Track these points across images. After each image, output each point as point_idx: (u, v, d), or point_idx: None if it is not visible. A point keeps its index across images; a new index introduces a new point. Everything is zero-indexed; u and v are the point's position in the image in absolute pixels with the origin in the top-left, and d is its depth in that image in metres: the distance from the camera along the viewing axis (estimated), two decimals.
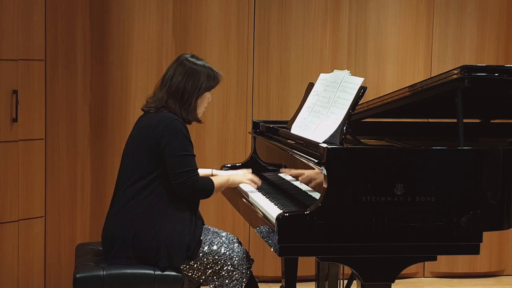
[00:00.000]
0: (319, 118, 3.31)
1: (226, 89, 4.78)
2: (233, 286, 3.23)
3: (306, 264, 4.58)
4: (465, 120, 3.10)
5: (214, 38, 4.73)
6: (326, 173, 2.82)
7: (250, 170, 3.66)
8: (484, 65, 4.67)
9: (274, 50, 4.84)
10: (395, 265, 2.90)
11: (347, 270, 3.24)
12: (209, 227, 3.35)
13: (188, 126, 3.28)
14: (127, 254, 3.17)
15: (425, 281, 5.10)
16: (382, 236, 2.84)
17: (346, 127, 3.06)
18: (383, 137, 3.69)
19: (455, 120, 3.10)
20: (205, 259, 3.21)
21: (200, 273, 3.23)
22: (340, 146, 2.99)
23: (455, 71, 3.07)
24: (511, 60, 5.09)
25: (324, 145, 2.91)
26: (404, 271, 2.96)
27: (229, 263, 3.23)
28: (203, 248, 3.21)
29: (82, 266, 3.18)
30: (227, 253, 3.23)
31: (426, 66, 5.02)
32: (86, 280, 3.10)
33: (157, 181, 3.19)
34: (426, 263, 5.00)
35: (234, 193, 3.64)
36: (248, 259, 3.30)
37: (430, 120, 3.91)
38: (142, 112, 3.37)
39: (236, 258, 3.24)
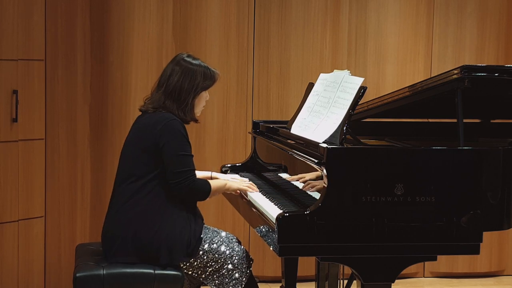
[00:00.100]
0: (319, 118, 3.31)
1: (226, 89, 4.78)
2: (233, 285, 3.23)
3: (306, 264, 4.58)
4: (465, 120, 3.10)
5: (214, 38, 4.73)
6: (326, 173, 2.82)
7: (247, 180, 3.64)
8: (484, 65, 4.67)
9: (274, 50, 4.84)
10: (395, 265, 2.90)
11: (347, 270, 3.24)
12: (209, 226, 3.36)
13: (188, 126, 3.29)
14: (127, 253, 3.17)
15: (425, 281, 5.10)
16: (382, 236, 2.84)
17: (346, 127, 3.06)
18: (383, 137, 3.69)
19: (455, 120, 3.10)
20: (205, 257, 3.21)
21: (200, 271, 3.23)
22: (340, 146, 2.99)
23: (455, 71, 3.07)
24: (511, 60, 5.09)
25: (324, 145, 2.91)
26: (404, 271, 2.96)
27: (229, 262, 3.23)
28: (203, 246, 3.22)
29: (82, 265, 3.18)
30: (227, 252, 3.24)
31: (426, 66, 5.02)
32: (86, 280, 3.10)
33: (156, 180, 3.20)
34: (426, 263, 5.00)
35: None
36: (248, 259, 3.31)
37: (430, 120, 3.91)
38: (141, 112, 3.38)
39: (236, 257, 3.25)
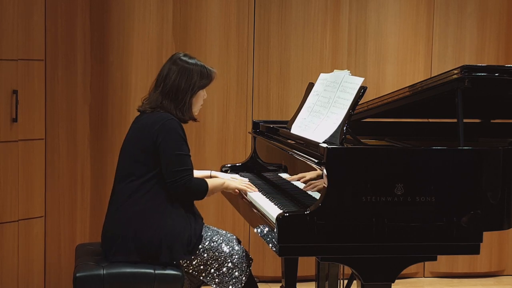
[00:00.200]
0: (319, 118, 3.31)
1: (226, 89, 4.78)
2: (233, 284, 3.24)
3: (306, 264, 4.58)
4: (465, 120, 3.09)
5: (214, 38, 4.73)
6: (326, 173, 2.82)
7: (247, 180, 3.63)
8: (484, 65, 4.67)
9: (274, 50, 4.84)
10: (395, 265, 2.90)
11: (347, 270, 3.24)
12: (209, 225, 3.36)
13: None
14: (128, 252, 3.17)
15: (425, 281, 5.10)
16: (382, 236, 2.84)
17: (346, 127, 3.06)
18: (383, 137, 3.69)
19: (455, 120, 3.10)
20: (205, 255, 3.22)
21: (200, 270, 3.24)
22: (340, 146, 2.98)
23: (455, 71, 3.07)
24: (511, 60, 5.09)
25: (324, 145, 2.91)
26: (404, 271, 2.96)
27: (229, 260, 3.24)
28: (204, 243, 3.22)
29: (82, 265, 3.18)
30: (227, 250, 3.24)
31: (426, 66, 5.02)
32: (86, 279, 3.10)
33: (155, 179, 3.20)
34: (426, 263, 5.00)
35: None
36: (247, 258, 3.31)
37: (430, 120, 3.91)
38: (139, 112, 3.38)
39: (236, 256, 3.25)
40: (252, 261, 3.35)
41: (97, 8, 4.56)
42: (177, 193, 3.20)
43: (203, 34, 4.71)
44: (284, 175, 3.46)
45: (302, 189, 3.20)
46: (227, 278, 3.24)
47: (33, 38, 4.27)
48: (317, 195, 2.96)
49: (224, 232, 3.33)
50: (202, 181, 3.27)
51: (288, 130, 3.58)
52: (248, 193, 3.41)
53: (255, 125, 4.03)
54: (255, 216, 3.20)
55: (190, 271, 3.24)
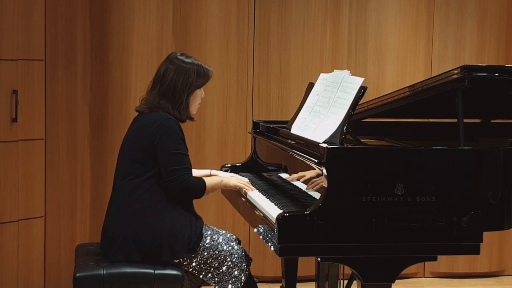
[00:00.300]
0: (319, 118, 3.31)
1: (226, 89, 4.78)
2: (232, 283, 3.24)
3: (306, 264, 4.58)
4: (465, 120, 3.09)
5: (214, 38, 4.73)
6: (326, 173, 2.82)
7: (246, 179, 3.63)
8: (485, 65, 4.67)
9: (274, 50, 4.83)
10: (395, 265, 2.90)
11: (347, 270, 3.24)
12: (208, 225, 3.36)
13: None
14: (128, 252, 3.17)
15: (425, 281, 5.10)
16: (382, 236, 2.84)
17: (346, 127, 3.05)
18: (383, 137, 3.69)
19: (455, 120, 3.10)
20: (205, 253, 3.22)
21: (200, 269, 3.24)
22: (340, 146, 2.98)
23: (455, 71, 3.07)
24: (511, 60, 5.08)
25: (324, 145, 2.91)
26: (404, 271, 2.96)
27: (228, 259, 3.24)
28: (204, 241, 3.22)
29: (82, 265, 3.18)
30: (227, 249, 3.24)
31: (426, 66, 5.02)
32: (86, 279, 3.10)
33: (154, 179, 3.20)
34: (426, 263, 4.99)
35: (234, 193, 3.64)
36: (247, 258, 3.32)
37: (430, 120, 3.91)
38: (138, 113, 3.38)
39: (236, 255, 3.25)
40: (251, 260, 3.35)
41: (97, 8, 4.56)
42: (174, 192, 3.20)
43: (203, 34, 4.71)
44: (284, 175, 3.46)
45: (302, 189, 3.20)
46: (226, 277, 3.24)
47: (33, 38, 4.27)
48: (317, 195, 2.96)
49: (224, 231, 3.33)
50: (199, 180, 3.27)
51: (288, 130, 3.58)
52: (248, 193, 3.41)
53: (255, 125, 4.03)
54: (255, 216, 3.20)
55: (190, 270, 3.25)
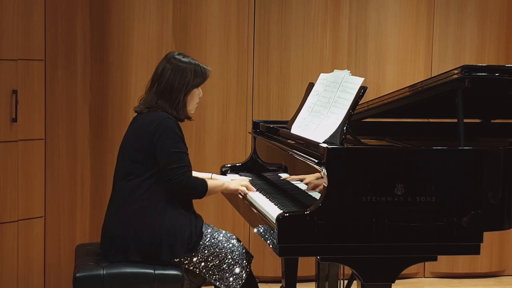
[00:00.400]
0: (319, 118, 3.31)
1: (226, 89, 4.77)
2: (233, 280, 3.24)
3: (306, 264, 4.58)
4: (465, 120, 3.09)
5: (214, 38, 4.73)
6: (326, 173, 2.82)
7: (248, 179, 3.63)
8: (485, 65, 4.67)
9: (274, 50, 4.83)
10: (395, 265, 2.90)
11: (347, 270, 3.23)
12: (208, 224, 3.36)
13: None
14: (128, 252, 3.17)
15: (426, 281, 5.09)
16: (382, 236, 2.83)
17: (346, 127, 3.05)
18: (383, 137, 3.69)
19: (455, 120, 3.10)
20: (206, 251, 3.22)
21: (200, 266, 3.23)
22: (340, 146, 2.98)
23: (456, 71, 3.06)
24: (511, 60, 5.08)
25: (324, 145, 2.91)
26: (405, 271, 2.96)
27: (229, 257, 3.24)
28: (205, 240, 3.22)
29: (82, 265, 3.18)
30: (228, 247, 3.25)
31: (427, 66, 5.02)
32: (86, 280, 3.10)
33: (153, 178, 3.20)
34: (426, 263, 4.99)
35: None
36: (248, 255, 3.32)
37: (431, 120, 3.90)
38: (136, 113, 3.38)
39: (236, 253, 3.26)
40: (252, 258, 3.36)
41: (97, 8, 4.55)
42: (174, 191, 3.20)
43: (203, 34, 4.71)
44: (284, 175, 3.46)
45: (302, 189, 3.20)
46: (227, 274, 3.24)
47: (33, 38, 4.27)
48: (317, 195, 2.96)
49: (224, 231, 3.33)
50: (201, 180, 3.26)
51: (288, 130, 3.58)
52: (249, 193, 3.41)
53: (255, 125, 4.02)
54: (255, 216, 3.20)
55: (191, 268, 3.25)
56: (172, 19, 4.66)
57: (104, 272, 3.12)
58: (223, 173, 3.97)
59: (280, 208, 3.05)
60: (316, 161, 2.91)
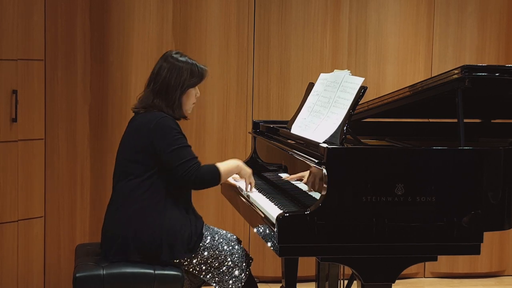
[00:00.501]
0: (319, 118, 3.30)
1: (226, 89, 4.77)
2: (233, 282, 3.23)
3: (306, 264, 4.58)
4: (465, 120, 3.09)
5: (214, 38, 4.72)
6: (326, 173, 2.82)
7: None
8: (485, 65, 4.67)
9: (274, 50, 4.83)
10: (395, 265, 2.90)
11: (348, 270, 3.23)
12: (209, 225, 3.36)
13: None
14: (128, 252, 3.17)
15: (426, 281, 5.09)
16: (382, 236, 2.83)
17: (346, 127, 3.05)
18: (384, 137, 3.69)
19: (455, 120, 3.10)
20: (205, 253, 3.21)
21: (200, 268, 3.23)
22: (341, 146, 2.98)
23: (456, 71, 3.06)
24: (511, 60, 5.08)
25: (325, 145, 2.91)
26: (405, 271, 2.96)
27: (229, 259, 3.23)
28: (205, 241, 3.22)
29: (82, 265, 3.17)
30: (227, 249, 3.24)
31: (427, 66, 5.02)
32: (86, 280, 3.10)
33: (153, 178, 3.20)
34: (426, 263, 4.99)
35: (234, 192, 3.63)
36: (247, 257, 3.31)
37: (431, 120, 3.90)
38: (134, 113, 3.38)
39: (236, 255, 3.25)
40: (252, 260, 3.35)
41: (97, 8, 4.55)
42: (190, 186, 3.21)
43: (203, 34, 4.71)
44: (284, 175, 3.46)
45: (302, 189, 3.20)
46: (227, 277, 3.23)
47: (33, 38, 4.27)
48: (317, 195, 2.95)
49: (224, 231, 3.33)
50: (211, 166, 3.24)
51: (288, 130, 3.58)
52: (250, 194, 3.40)
53: (255, 125, 4.02)
54: (255, 216, 3.19)
55: (191, 269, 3.24)
56: (172, 19, 4.66)
57: (104, 272, 3.11)
58: None
59: (280, 208, 3.05)
60: (316, 161, 2.91)
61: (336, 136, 3.07)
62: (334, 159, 2.84)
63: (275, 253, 2.83)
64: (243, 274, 3.26)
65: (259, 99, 4.84)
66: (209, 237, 3.25)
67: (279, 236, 2.77)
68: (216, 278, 3.24)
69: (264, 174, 3.81)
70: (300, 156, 3.13)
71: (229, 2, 4.72)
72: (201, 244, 3.22)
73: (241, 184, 3.60)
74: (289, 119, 3.72)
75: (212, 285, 3.29)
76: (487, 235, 2.93)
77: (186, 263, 3.23)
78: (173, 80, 3.26)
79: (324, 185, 2.82)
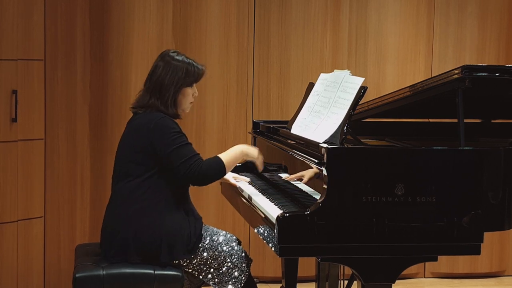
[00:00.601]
0: (320, 118, 3.30)
1: (226, 89, 4.77)
2: (232, 284, 3.23)
3: (307, 265, 4.57)
4: (465, 120, 3.09)
5: (214, 38, 4.72)
6: (326, 173, 2.81)
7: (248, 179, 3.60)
8: (485, 65, 4.66)
9: (274, 50, 4.83)
10: (395, 265, 2.89)
11: (348, 270, 3.23)
12: (209, 226, 3.35)
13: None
14: (127, 253, 3.17)
15: (426, 281, 5.09)
16: (382, 237, 2.83)
17: (346, 127, 3.05)
18: (384, 137, 3.68)
19: (455, 120, 3.09)
20: (205, 254, 3.21)
21: (199, 269, 3.23)
22: (341, 146, 2.98)
23: (456, 71, 3.06)
24: None
25: (325, 145, 2.90)
26: (405, 272, 2.96)
27: (228, 260, 3.23)
28: (204, 242, 3.21)
29: (81, 266, 3.17)
30: (227, 250, 3.24)
31: (427, 66, 5.02)
32: (85, 280, 3.10)
33: (152, 179, 3.20)
34: (426, 263, 4.99)
35: (234, 193, 3.63)
36: (247, 258, 3.31)
37: (431, 120, 3.90)
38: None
39: (236, 256, 3.25)
40: (251, 261, 3.35)
41: (97, 8, 4.55)
42: (195, 183, 3.21)
43: (203, 34, 4.71)
44: (284, 175, 3.46)
45: (302, 189, 3.19)
46: (226, 278, 3.23)
47: (32, 38, 4.27)
48: (317, 195, 2.95)
49: (224, 232, 3.33)
50: (213, 160, 3.24)
51: (288, 130, 3.57)
52: (249, 194, 3.40)
53: (255, 125, 4.02)
54: (255, 216, 3.19)
55: (190, 270, 3.24)
56: (172, 19, 4.66)
57: (104, 272, 3.11)
58: None
59: (280, 208, 3.05)
60: (316, 161, 2.91)
61: (336, 136, 3.07)
62: (334, 159, 2.84)
63: (275, 253, 2.83)
64: (242, 275, 3.25)
65: (259, 99, 4.83)
66: (208, 238, 3.24)
67: (279, 236, 2.77)
68: (216, 279, 3.24)
69: (264, 174, 3.81)
70: (300, 156, 3.13)
71: (229, 2, 4.72)
72: (200, 245, 3.21)
73: (241, 184, 3.60)
74: (289, 119, 3.72)
75: (211, 286, 3.29)
76: (487, 235, 2.93)
77: (185, 264, 3.22)
78: (167, 78, 3.25)
79: (324, 185, 2.82)
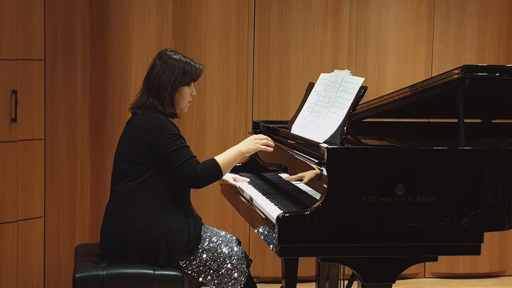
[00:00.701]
0: (320, 118, 3.30)
1: (226, 89, 4.77)
2: (232, 285, 3.22)
3: (307, 265, 4.57)
4: (466, 120, 3.08)
5: (214, 38, 4.72)
6: (326, 174, 2.81)
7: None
8: (485, 65, 4.65)
9: (274, 50, 4.83)
10: (395, 265, 2.89)
11: (348, 270, 3.23)
12: (208, 226, 3.35)
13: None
14: (126, 254, 3.16)
15: (426, 281, 5.09)
16: (382, 237, 2.83)
17: (346, 127, 3.05)
18: (384, 137, 3.68)
19: (456, 120, 3.09)
20: (204, 256, 3.21)
21: (199, 271, 3.23)
22: (341, 146, 2.97)
23: (456, 71, 3.06)
24: None
25: (325, 145, 2.90)
26: (405, 272, 2.95)
27: (228, 261, 3.22)
28: (203, 244, 3.21)
29: (81, 266, 3.17)
30: (226, 251, 3.23)
31: (427, 66, 5.01)
32: (85, 280, 3.10)
33: (151, 180, 3.19)
34: (426, 263, 4.99)
35: (234, 193, 3.63)
36: (246, 259, 3.30)
37: (431, 120, 3.90)
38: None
39: (235, 257, 3.24)
40: (251, 262, 3.34)
41: (97, 8, 4.55)
42: (192, 185, 3.20)
43: (203, 34, 4.71)
44: (284, 176, 3.45)
45: (302, 189, 3.19)
46: (226, 279, 3.23)
47: (32, 38, 4.26)
48: (317, 195, 2.95)
49: (223, 233, 3.32)
50: (209, 162, 3.23)
51: (288, 130, 3.57)
52: (249, 193, 3.39)
53: (255, 125, 4.02)
54: (255, 216, 3.19)
55: (189, 272, 3.23)
56: (172, 19, 4.66)
57: (104, 272, 3.11)
58: None
59: (280, 208, 3.05)
60: (317, 161, 2.91)
61: (336, 136, 3.07)
62: (334, 159, 2.84)
63: (275, 253, 2.83)
64: (242, 276, 3.24)
65: (259, 99, 4.83)
66: (207, 239, 3.24)
67: (279, 236, 2.77)
68: (216, 281, 3.23)
69: (264, 174, 3.81)
70: (300, 156, 3.12)
71: (229, 2, 4.72)
72: (199, 247, 3.21)
73: (241, 184, 3.60)
74: (289, 119, 3.72)
75: (211, 287, 3.28)
76: (487, 236, 2.93)
77: (185, 265, 3.22)
78: (164, 77, 3.25)
79: (324, 185, 2.82)
